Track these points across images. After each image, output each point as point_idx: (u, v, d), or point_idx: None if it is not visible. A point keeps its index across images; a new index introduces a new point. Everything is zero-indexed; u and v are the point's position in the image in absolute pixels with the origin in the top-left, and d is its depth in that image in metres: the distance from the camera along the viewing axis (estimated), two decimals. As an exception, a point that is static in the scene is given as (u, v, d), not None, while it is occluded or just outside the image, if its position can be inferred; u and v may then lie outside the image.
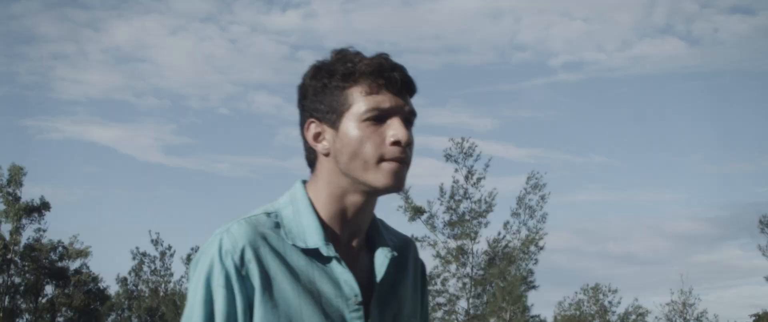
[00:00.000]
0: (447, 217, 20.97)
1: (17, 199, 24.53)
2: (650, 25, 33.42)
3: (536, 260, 21.65)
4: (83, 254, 27.45)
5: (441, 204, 20.96)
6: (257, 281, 1.25)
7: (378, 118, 1.30)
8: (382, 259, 1.39)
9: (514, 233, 21.52)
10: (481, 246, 21.44)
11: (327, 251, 1.30)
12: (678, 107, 34.68)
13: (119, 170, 37.08)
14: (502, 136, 34.42)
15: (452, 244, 21.06)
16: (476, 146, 21.15)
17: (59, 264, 26.73)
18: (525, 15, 33.77)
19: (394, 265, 1.41)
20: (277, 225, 1.32)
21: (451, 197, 20.96)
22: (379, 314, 1.36)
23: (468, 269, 21.33)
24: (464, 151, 21.09)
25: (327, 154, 1.34)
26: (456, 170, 21.08)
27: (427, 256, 23.88)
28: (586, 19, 33.43)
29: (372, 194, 1.33)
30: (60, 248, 26.63)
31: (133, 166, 35.72)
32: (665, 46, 33.00)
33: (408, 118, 1.34)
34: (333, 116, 1.33)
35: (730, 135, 35.94)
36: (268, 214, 1.34)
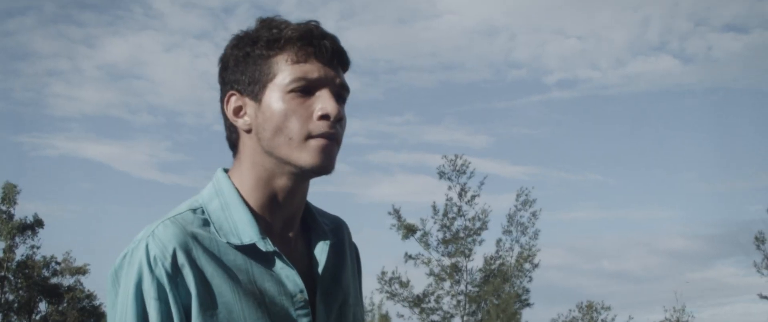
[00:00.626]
0: (441, 235, 20.99)
1: (11, 217, 24.44)
2: (644, 43, 33.62)
3: (531, 277, 21.64)
4: (81, 271, 27.31)
5: (435, 222, 20.99)
6: (193, 288, 1.12)
7: (305, 89, 1.18)
8: (321, 247, 1.27)
9: (507, 251, 21.52)
10: (475, 263, 21.46)
11: (265, 246, 1.18)
12: (672, 125, 34.81)
13: (114, 187, 37.00)
14: (497, 153, 34.49)
15: (446, 261, 21.05)
16: (469, 163, 21.22)
17: (52, 281, 26.60)
18: (520, 33, 33.95)
19: (333, 252, 1.30)
20: (206, 222, 1.19)
21: (445, 214, 20.98)
22: (325, 309, 1.24)
23: (462, 287, 21.31)
24: (457, 168, 21.14)
25: (249, 131, 1.21)
26: (449, 188, 21.13)
27: (420, 274, 23.83)
28: (580, 37, 33.65)
29: (299, 175, 1.20)
30: (53, 265, 26.53)
31: (129, 183, 35.63)
32: (659, 63, 33.17)
33: (339, 93, 1.21)
34: (255, 88, 1.20)
35: (725, 153, 36.04)
36: (194, 210, 1.20)
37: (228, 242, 1.17)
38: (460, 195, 21.09)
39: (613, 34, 34.03)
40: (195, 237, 1.15)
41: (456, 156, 21.24)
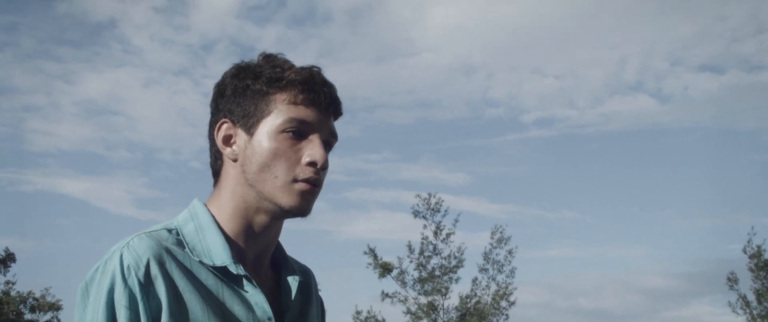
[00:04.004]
0: (417, 274, 20.94)
1: (-16, 252, 24.20)
2: (621, 83, 34.00)
3: (507, 315, 21.59)
4: (55, 307, 26.99)
5: (411, 261, 20.96)
6: (164, 300, 1.12)
7: (297, 132, 1.21)
8: (291, 282, 1.29)
9: (484, 289, 21.49)
10: (452, 302, 21.39)
11: (236, 269, 1.18)
12: (649, 163, 35.08)
13: (91, 223, 36.68)
14: (474, 191, 34.48)
15: (423, 300, 20.98)
16: (443, 201, 21.27)
17: (28, 317, 26.27)
18: (497, 71, 34.26)
19: (301, 291, 1.31)
20: (180, 242, 1.19)
21: (421, 253, 20.97)
22: None
23: (439, 325, 21.22)
24: (431, 207, 21.19)
25: (235, 160, 1.23)
26: (425, 227, 21.15)
27: (397, 312, 23.71)
28: (557, 76, 33.96)
29: (278, 213, 1.22)
30: (30, 300, 26.23)
31: (106, 219, 35.34)
32: (636, 103, 33.51)
33: (328, 141, 1.24)
34: (250, 121, 1.22)
35: (702, 191, 36.30)
36: (169, 230, 1.21)
37: (201, 262, 1.18)
38: (435, 233, 21.12)
39: (590, 73, 34.44)
40: (169, 252, 1.16)
41: (429, 195, 21.31)
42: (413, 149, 34.26)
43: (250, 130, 1.22)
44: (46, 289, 27.01)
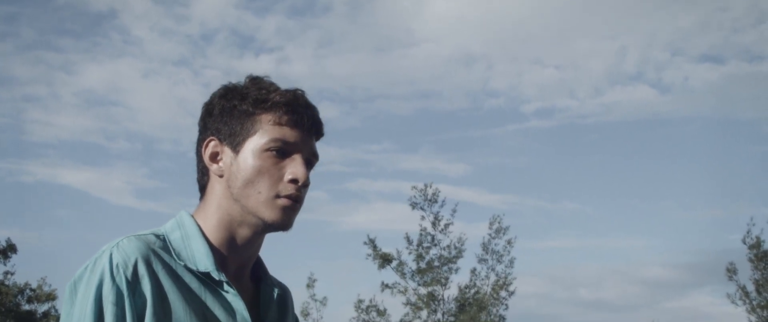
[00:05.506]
0: (415, 265, 20.95)
1: (-16, 243, 24.18)
2: (621, 73, 33.97)
3: (507, 305, 21.64)
4: (51, 297, 27.02)
5: (409, 253, 20.97)
6: (149, 298, 1.17)
7: (281, 151, 1.27)
8: (269, 294, 1.36)
9: (483, 279, 21.52)
10: (451, 292, 21.42)
11: (219, 275, 1.24)
12: (650, 154, 35.08)
13: (91, 214, 36.68)
14: (474, 182, 34.51)
15: (423, 290, 21.00)
16: (440, 192, 21.26)
17: (26, 307, 26.28)
18: (497, 62, 34.22)
19: (278, 304, 1.37)
20: (167, 247, 1.25)
21: (419, 244, 20.97)
22: None
23: (439, 316, 21.24)
24: (429, 198, 21.18)
25: (221, 176, 1.30)
26: (423, 218, 21.15)
27: (397, 303, 23.75)
28: (558, 67, 33.92)
29: (260, 227, 1.28)
30: (28, 291, 26.23)
31: (105, 209, 35.33)
32: (636, 93, 33.49)
33: (310, 160, 1.31)
34: (236, 139, 1.29)
35: (702, 182, 36.33)
36: (157, 235, 1.27)
37: (185, 267, 1.24)
38: (433, 224, 21.12)
39: (590, 64, 34.40)
40: (157, 254, 1.22)
41: (426, 185, 21.30)
42: (413, 140, 34.31)
43: (236, 148, 1.29)
44: (43, 279, 27.05)
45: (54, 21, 35.29)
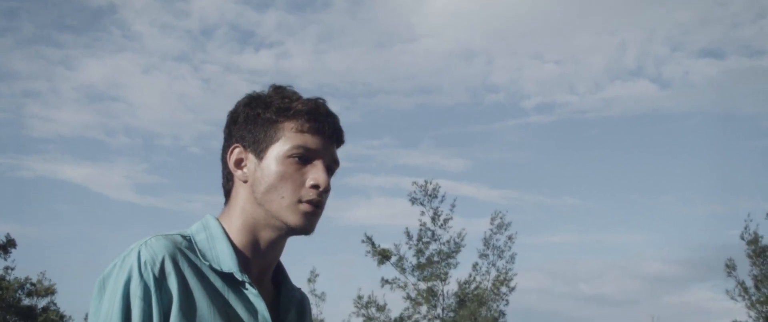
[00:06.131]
0: (415, 260, 20.96)
1: (-16, 239, 24.19)
2: (621, 68, 33.94)
3: (507, 301, 21.66)
4: (50, 291, 27.03)
5: (409, 248, 20.98)
6: (175, 294, 1.21)
7: (303, 158, 1.32)
8: (289, 297, 1.41)
9: (483, 275, 21.54)
10: (451, 287, 21.44)
11: (242, 276, 1.28)
12: (650, 149, 35.08)
13: (91, 209, 36.65)
14: (474, 177, 34.53)
15: (422, 286, 21.02)
16: (439, 187, 21.26)
17: (26, 302, 26.31)
18: (497, 57, 34.15)
19: (297, 310, 1.42)
20: (192, 248, 1.29)
21: (419, 239, 20.98)
22: None
23: (439, 311, 21.27)
24: (428, 193, 21.19)
25: (245, 182, 1.34)
26: (422, 213, 21.16)
27: (397, 298, 23.75)
28: (558, 62, 33.88)
29: (284, 230, 1.33)
30: (28, 286, 26.25)
31: (105, 204, 35.31)
32: (636, 88, 33.42)
33: (330, 166, 1.35)
34: (260, 146, 1.33)
35: (702, 177, 36.33)
36: (184, 236, 1.31)
37: (210, 267, 1.28)
38: (433, 219, 21.13)
39: (590, 59, 34.29)
40: (183, 253, 1.26)
41: (426, 181, 21.30)
42: (413, 135, 34.20)
43: (259, 154, 1.34)
44: (42, 273, 27.06)
45: (54, 16, 35.29)
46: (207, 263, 1.28)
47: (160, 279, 1.21)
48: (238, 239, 1.33)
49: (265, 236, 1.34)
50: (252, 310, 1.28)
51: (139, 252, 1.23)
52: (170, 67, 35.88)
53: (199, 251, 1.29)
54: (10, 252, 24.93)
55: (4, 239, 24.61)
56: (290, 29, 33.62)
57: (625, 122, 34.33)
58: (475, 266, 21.60)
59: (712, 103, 34.46)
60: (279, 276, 1.43)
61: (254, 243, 1.34)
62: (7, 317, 25.54)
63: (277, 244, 1.36)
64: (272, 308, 1.36)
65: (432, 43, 34.32)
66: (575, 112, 32.85)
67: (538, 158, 34.60)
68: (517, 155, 34.04)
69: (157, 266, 1.22)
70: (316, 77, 32.14)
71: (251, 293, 1.29)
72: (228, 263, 1.29)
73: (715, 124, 34.41)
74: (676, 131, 34.48)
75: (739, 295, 20.99)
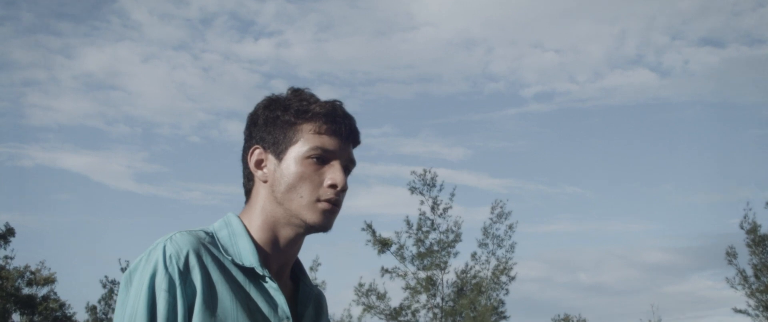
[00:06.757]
0: (415, 250, 20.95)
1: (-17, 228, 24.17)
2: (621, 57, 33.87)
3: (507, 290, 21.67)
4: (49, 280, 27.07)
5: (409, 237, 20.96)
6: (199, 287, 1.26)
7: (321, 158, 1.36)
8: (307, 293, 1.45)
9: (483, 264, 21.54)
10: (450, 276, 21.45)
11: (262, 271, 1.33)
12: (650, 138, 35.05)
13: (91, 198, 36.65)
14: (474, 166, 34.46)
15: (422, 275, 21.03)
16: (438, 176, 21.22)
17: (26, 291, 26.34)
18: (497, 46, 34.07)
19: (314, 306, 1.47)
20: (215, 243, 1.34)
21: (419, 228, 20.97)
22: None
23: (438, 300, 21.29)
24: (427, 182, 21.15)
25: (265, 182, 1.39)
26: (422, 202, 21.13)
27: (397, 287, 23.82)
28: (557, 50, 33.79)
29: (302, 228, 1.37)
30: (28, 275, 26.28)
31: (105, 193, 35.31)
32: (636, 77, 33.39)
33: (347, 166, 1.39)
34: (279, 147, 1.37)
35: (702, 166, 36.30)
36: (206, 232, 1.36)
37: (232, 261, 1.33)
38: (432, 208, 21.10)
39: (590, 48, 34.23)
40: (206, 248, 1.31)
41: (425, 170, 21.26)
42: (413, 124, 34.18)
43: (279, 155, 1.38)
44: (42, 262, 27.09)
45: (53, 5, 35.15)
46: (229, 258, 1.32)
47: (185, 273, 1.26)
48: (259, 236, 1.37)
49: (285, 233, 1.38)
50: (272, 303, 1.32)
51: (164, 247, 1.27)
52: (170, 56, 35.80)
53: (222, 246, 1.34)
54: (10, 241, 24.95)
55: (4, 228, 24.62)
56: (290, 18, 33.56)
57: (625, 111, 34.31)
58: (473, 255, 21.61)
59: (712, 92, 34.46)
60: (297, 272, 1.48)
61: (274, 240, 1.38)
62: (8, 306, 25.57)
63: (296, 241, 1.40)
64: (290, 302, 1.40)
65: (432, 32, 34.25)
66: (575, 101, 32.83)
67: (538, 147, 34.59)
68: (517, 144, 34.02)
69: (182, 260, 1.26)
70: (315, 66, 32.10)
71: (271, 286, 1.34)
72: (249, 258, 1.33)
73: (715, 113, 34.39)
74: (676, 120, 34.47)
75: (739, 284, 21.03)
